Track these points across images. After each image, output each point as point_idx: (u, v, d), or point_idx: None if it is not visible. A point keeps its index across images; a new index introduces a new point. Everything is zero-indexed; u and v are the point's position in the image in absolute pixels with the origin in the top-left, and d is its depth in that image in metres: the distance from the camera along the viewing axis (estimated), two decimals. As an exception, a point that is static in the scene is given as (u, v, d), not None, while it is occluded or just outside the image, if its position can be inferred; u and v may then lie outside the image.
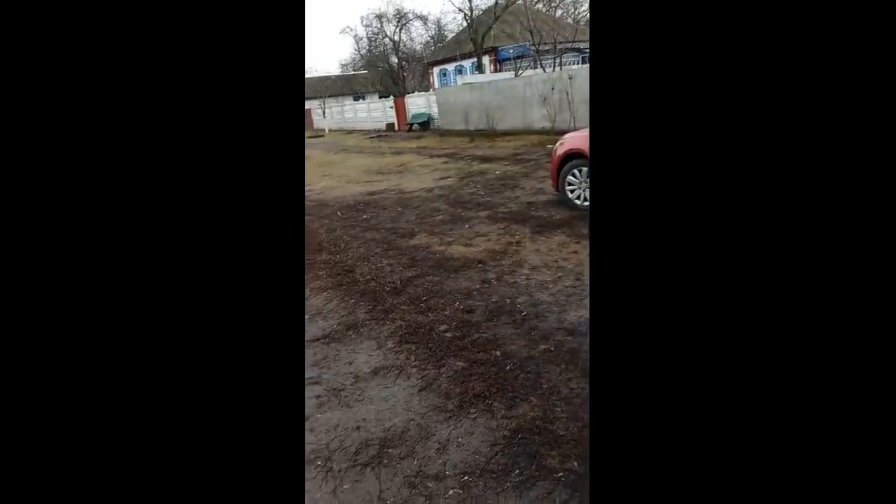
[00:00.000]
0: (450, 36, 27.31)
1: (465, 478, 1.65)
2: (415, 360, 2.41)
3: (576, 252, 3.68)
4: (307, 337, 2.77)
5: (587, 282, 3.12)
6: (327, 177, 9.09)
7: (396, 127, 19.48)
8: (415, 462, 1.74)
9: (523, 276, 3.34)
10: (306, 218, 5.82)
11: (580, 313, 2.73)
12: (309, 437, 1.93)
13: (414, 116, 17.98)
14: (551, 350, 2.39)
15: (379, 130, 19.87)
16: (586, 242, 3.86)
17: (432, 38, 29.77)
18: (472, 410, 2.00)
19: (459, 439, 1.84)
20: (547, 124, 11.92)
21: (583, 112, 10.90)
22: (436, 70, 24.70)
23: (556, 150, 5.04)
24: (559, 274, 3.32)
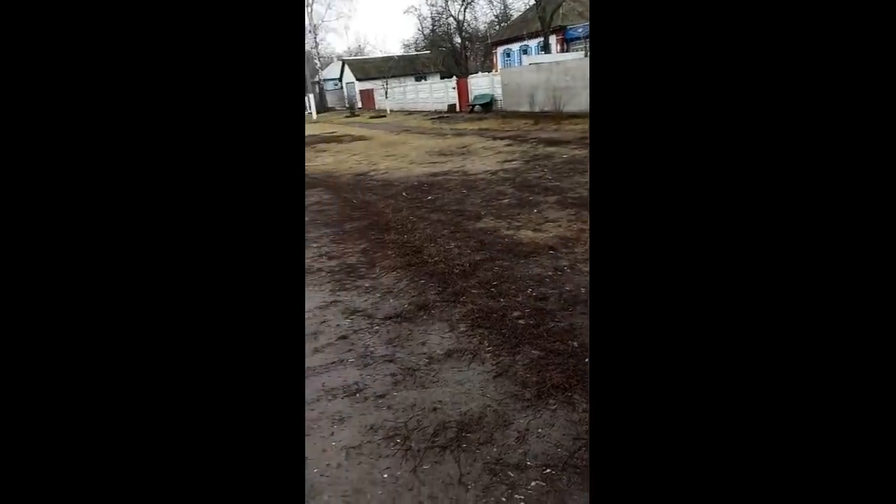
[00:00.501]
0: (515, 15, 26.57)
1: (548, 470, 1.61)
2: (488, 346, 2.38)
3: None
4: (380, 315, 2.81)
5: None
6: (390, 157, 9.18)
7: (458, 108, 19.33)
8: (494, 449, 1.72)
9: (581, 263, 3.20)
10: (373, 197, 5.91)
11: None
12: (386, 415, 1.95)
13: (476, 97, 17.75)
14: (633, 344, 2.27)
15: (440, 111, 19.81)
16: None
17: (497, 17, 29.09)
18: (552, 401, 1.94)
19: (539, 430, 1.79)
20: (617, 107, 11.35)
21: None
22: (499, 50, 24.18)
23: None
24: (637, 265, 3.16)
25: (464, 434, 1.80)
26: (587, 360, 2.19)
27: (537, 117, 13.09)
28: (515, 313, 2.67)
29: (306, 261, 3.83)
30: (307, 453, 1.78)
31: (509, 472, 1.61)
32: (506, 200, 5.11)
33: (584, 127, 10.31)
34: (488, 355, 2.30)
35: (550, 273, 3.15)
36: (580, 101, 12.66)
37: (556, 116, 12.68)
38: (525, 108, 14.77)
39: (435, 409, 1.96)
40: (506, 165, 7.14)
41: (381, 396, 2.07)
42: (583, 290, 2.87)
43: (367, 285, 3.25)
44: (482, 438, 1.77)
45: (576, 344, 2.32)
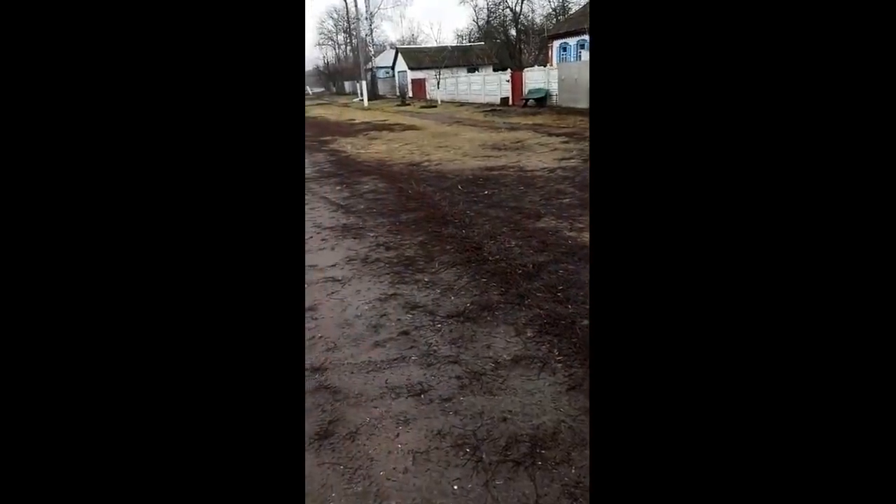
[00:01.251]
0: (574, 8, 25.81)
1: (634, 501, 1.48)
2: (558, 355, 2.25)
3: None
4: (442, 312, 2.72)
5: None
6: (443, 148, 9.09)
7: (511, 101, 19.01)
8: (572, 470, 1.60)
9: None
10: (428, 188, 5.84)
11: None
12: (454, 420, 1.86)
13: (531, 91, 17.39)
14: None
15: (493, 104, 19.56)
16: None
17: (555, 10, 28.38)
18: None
19: (620, 454, 1.65)
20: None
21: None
22: (556, 44, 23.57)
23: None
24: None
25: (538, 450, 1.69)
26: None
27: (594, 114, 12.64)
28: (586, 322, 2.52)
29: (363, 250, 3.80)
30: (372, 452, 1.72)
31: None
32: (566, 200, 4.92)
33: (645, 127, 9.85)
34: (559, 365, 2.17)
35: (620, 281, 2.97)
36: (641, 99, 12.11)
37: (615, 114, 12.19)
38: (581, 104, 14.33)
39: (505, 419, 1.86)
40: (563, 163, 6.90)
41: (447, 400, 1.98)
42: (657, 301, 2.69)
43: (426, 280, 3.17)
44: (559, 457, 1.65)
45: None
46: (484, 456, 1.68)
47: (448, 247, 3.76)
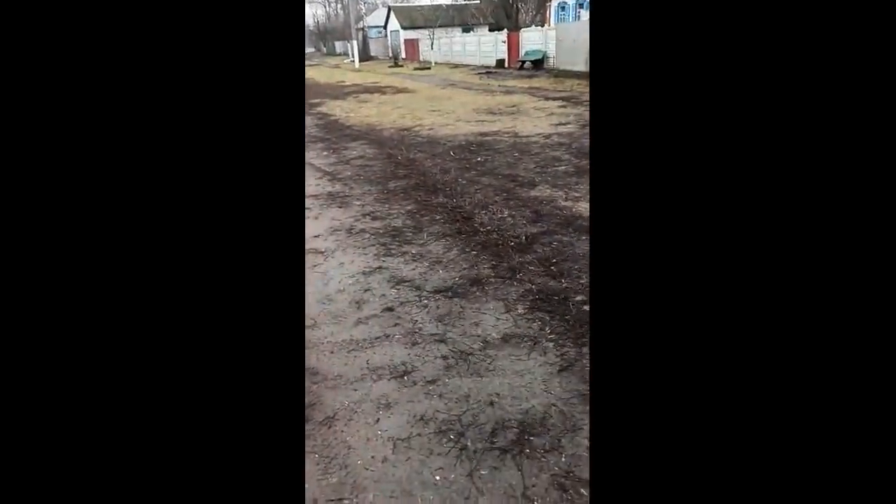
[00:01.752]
0: (575, -36, 24.65)
1: (627, 493, 1.39)
2: (550, 333, 2.14)
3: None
4: (429, 287, 2.59)
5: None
6: (435, 112, 8.78)
7: (507, 64, 18.41)
8: (563, 459, 1.50)
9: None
10: (418, 154, 5.62)
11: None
12: (438, 404, 1.76)
13: (527, 53, 16.81)
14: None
15: (488, 66, 18.93)
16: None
17: (554, -35, 27.11)
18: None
19: (613, 441, 1.56)
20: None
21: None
22: (553, 3, 22.66)
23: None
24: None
25: (527, 437, 1.59)
26: (664, 360, 1.92)
27: (592, 78, 12.26)
28: (579, 297, 2.41)
29: (349, 220, 3.64)
30: (350, 440, 1.61)
31: (582, 490, 1.40)
32: (562, 168, 4.74)
33: (644, 91, 9.55)
34: (551, 344, 2.06)
35: (616, 253, 2.85)
36: (641, 62, 11.72)
37: (614, 78, 11.82)
38: (580, 67, 13.87)
39: (492, 402, 1.75)
40: (560, 129, 6.67)
41: (432, 382, 1.87)
42: (655, 276, 2.57)
43: (413, 252, 3.03)
44: (548, 444, 1.56)
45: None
46: (469, 443, 1.58)
47: (438, 217, 3.60)
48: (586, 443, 1.56)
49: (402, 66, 23.55)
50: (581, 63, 13.89)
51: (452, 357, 2.01)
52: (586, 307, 2.32)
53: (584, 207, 3.61)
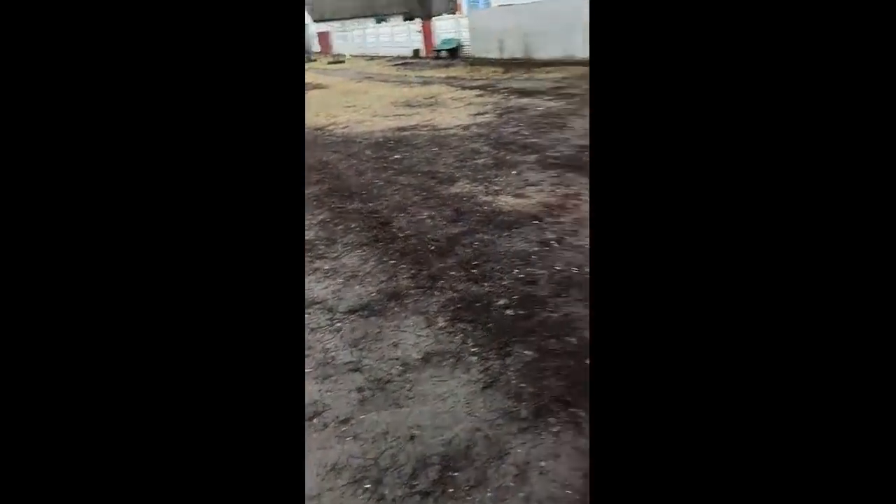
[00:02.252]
0: (481, -50, 24.76)
1: (557, 524, 1.29)
2: (473, 345, 2.02)
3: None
4: (343, 307, 2.39)
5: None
6: (351, 108, 8.44)
7: (423, 53, 18.19)
8: (489, 494, 1.38)
9: (587, 238, 2.85)
10: (332, 156, 5.32)
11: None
12: (352, 447, 1.58)
13: (443, 42, 16.69)
14: (640, 340, 1.96)
15: (404, 57, 18.62)
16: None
17: (462, -48, 27.10)
18: (552, 421, 1.61)
19: (542, 463, 1.46)
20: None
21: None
22: (465, -10, 22.67)
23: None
24: (633, 237, 2.83)
25: (449, 473, 1.45)
26: (588, 360, 1.86)
27: (507, 65, 12.35)
28: (502, 301, 2.31)
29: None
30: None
31: (510, 530, 1.29)
32: (481, 160, 4.66)
33: (557, 76, 9.74)
34: (474, 358, 1.94)
35: (537, 248, 2.79)
36: (552, 47, 11.97)
37: (527, 64, 11.98)
38: (494, 54, 13.95)
39: (412, 437, 1.60)
40: (478, 119, 6.60)
41: (346, 421, 1.69)
42: (574, 269, 2.53)
43: (326, 268, 2.80)
44: (473, 478, 1.43)
45: (574, 340, 1.99)
46: (387, 491, 1.42)
47: (353, 225, 3.38)
48: (513, 470, 1.45)
49: (314, 60, 22.61)
50: (495, 50, 13.97)
51: (368, 388, 1.84)
52: (508, 311, 2.22)
53: (504, 201, 3.54)
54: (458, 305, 2.30)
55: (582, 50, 11.02)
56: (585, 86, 8.19)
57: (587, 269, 2.52)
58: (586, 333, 2.02)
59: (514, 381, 1.80)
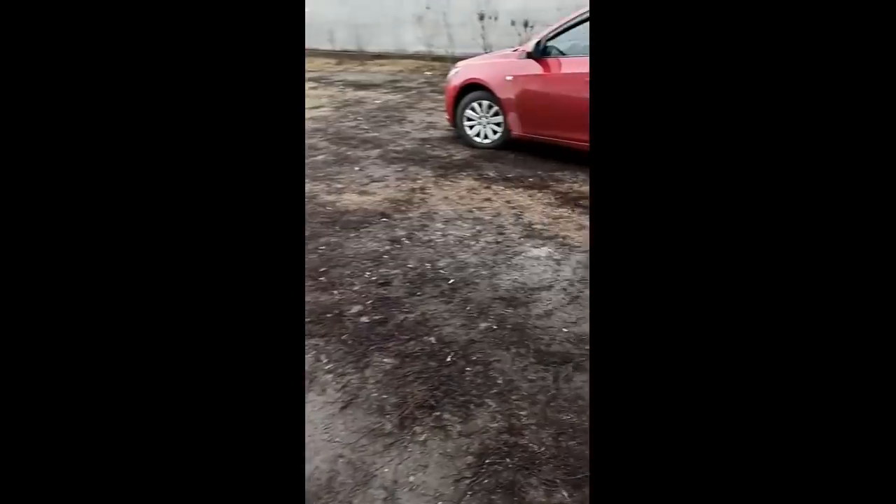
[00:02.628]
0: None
1: (433, 542, 1.23)
2: (327, 362, 1.85)
3: (489, 200, 3.30)
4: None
5: (512, 237, 2.78)
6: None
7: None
8: (358, 528, 1.26)
9: (438, 233, 2.87)
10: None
11: (513, 276, 2.38)
12: None
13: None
14: (494, 329, 2.01)
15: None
16: (497, 187, 3.49)
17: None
18: (418, 430, 1.55)
19: (411, 478, 1.39)
20: (422, 48, 11.01)
21: (461, 36, 10.21)
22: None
23: (450, 80, 4.47)
24: (478, 227, 2.92)
25: (312, 515, 1.29)
26: (450, 358, 1.84)
27: (340, 57, 12.01)
28: (355, 308, 2.17)
29: None
30: None
31: (384, 563, 1.18)
32: (321, 157, 4.39)
33: (390, 69, 9.76)
34: (329, 377, 1.78)
35: (388, 247, 2.70)
36: (384, 40, 11.96)
37: (360, 56, 11.79)
38: (326, 45, 13.43)
39: (264, 482, 1.39)
40: (314, 113, 6.25)
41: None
42: (427, 265, 2.51)
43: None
44: (339, 515, 1.29)
45: (433, 339, 1.96)
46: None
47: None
48: (382, 494, 1.34)
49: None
50: (326, 42, 13.47)
51: (205, 434, 1.56)
52: (364, 318, 2.10)
53: (349, 200, 3.37)
54: (309, 319, 2.10)
55: (413, 44, 11.21)
56: (420, 79, 8.35)
57: (440, 264, 2.52)
58: (445, 331, 2.01)
59: (374, 395, 1.69)
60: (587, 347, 1.88)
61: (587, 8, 3.66)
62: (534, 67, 3.81)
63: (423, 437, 1.52)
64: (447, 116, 4.59)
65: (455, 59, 5.98)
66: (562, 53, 3.74)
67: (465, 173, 3.81)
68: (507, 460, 1.43)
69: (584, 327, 1.99)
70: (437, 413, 1.60)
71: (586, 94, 3.48)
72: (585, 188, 3.40)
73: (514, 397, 1.66)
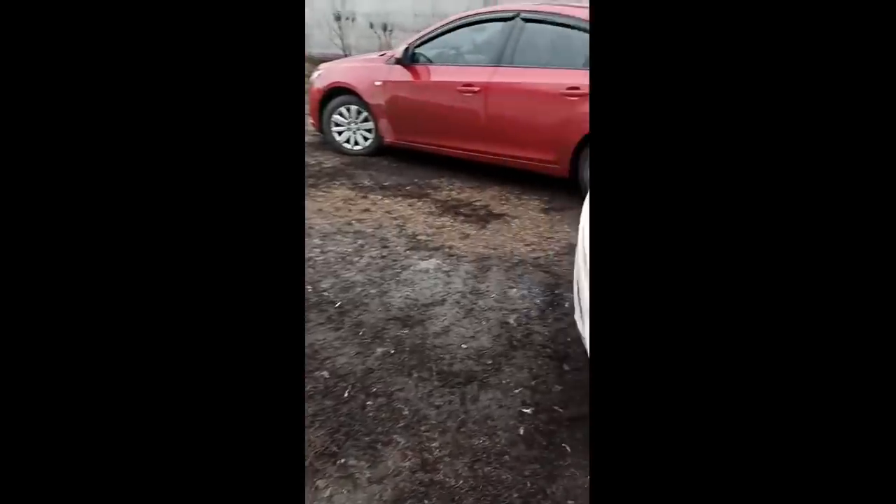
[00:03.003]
0: None
1: None
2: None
3: (368, 210, 3.15)
4: None
5: (397, 250, 2.67)
6: None
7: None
8: None
9: (316, 249, 2.64)
10: None
11: (404, 292, 2.28)
12: None
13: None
14: (392, 353, 1.88)
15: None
16: (375, 196, 3.36)
17: None
18: (321, 484, 1.36)
19: (320, 547, 1.20)
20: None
21: (318, 36, 9.60)
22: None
23: (313, 83, 4.20)
24: (360, 241, 2.76)
25: None
26: (347, 394, 1.67)
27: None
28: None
29: None
30: None
31: None
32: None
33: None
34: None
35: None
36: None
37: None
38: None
39: None
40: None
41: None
42: (309, 287, 2.28)
43: None
44: None
45: (326, 374, 1.77)
46: None
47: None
48: (288, 574, 1.14)
49: None
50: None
51: None
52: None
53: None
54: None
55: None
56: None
57: (323, 285, 2.31)
58: (338, 362, 1.83)
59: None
60: (488, 362, 1.86)
61: (454, 17, 3.71)
62: (403, 74, 3.74)
63: (327, 493, 1.34)
64: (312, 121, 4.30)
65: (313, 60, 5.65)
66: (429, 61, 3.74)
67: (338, 182, 3.59)
68: (426, 502, 1.32)
69: (483, 341, 1.98)
70: (342, 460, 1.43)
71: (458, 103, 3.53)
72: (464, 195, 3.44)
73: (422, 428, 1.56)
